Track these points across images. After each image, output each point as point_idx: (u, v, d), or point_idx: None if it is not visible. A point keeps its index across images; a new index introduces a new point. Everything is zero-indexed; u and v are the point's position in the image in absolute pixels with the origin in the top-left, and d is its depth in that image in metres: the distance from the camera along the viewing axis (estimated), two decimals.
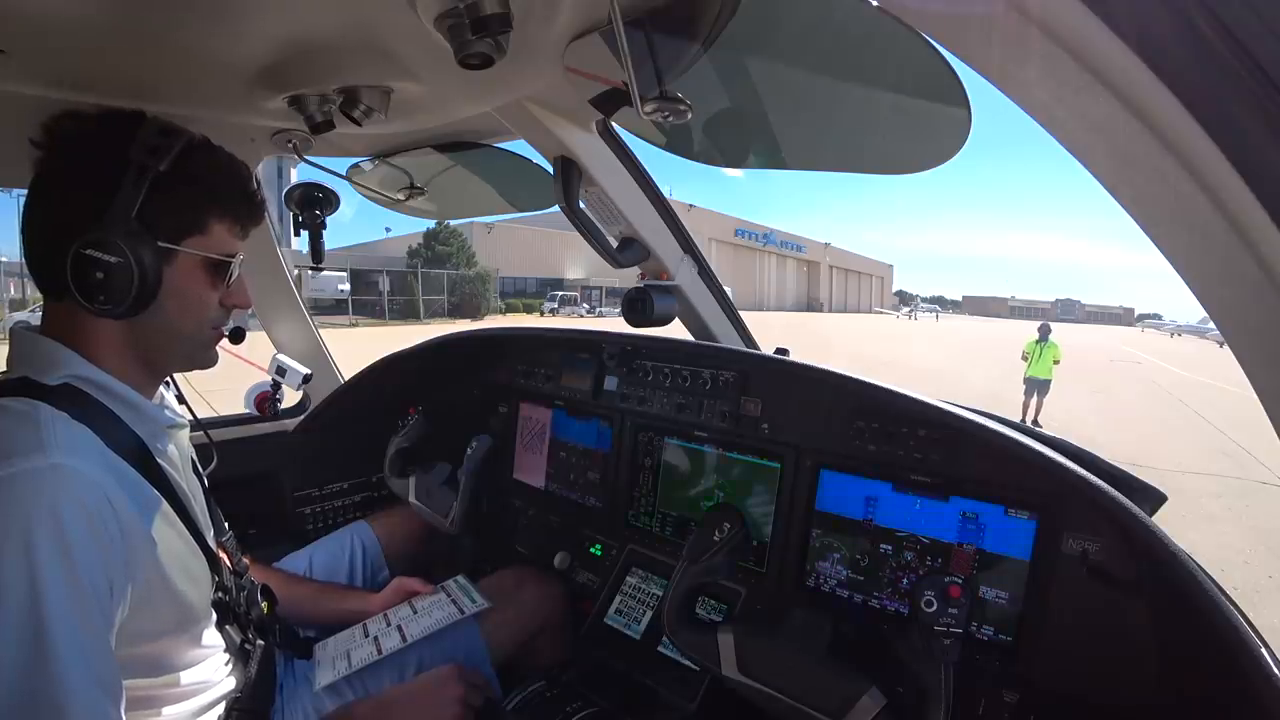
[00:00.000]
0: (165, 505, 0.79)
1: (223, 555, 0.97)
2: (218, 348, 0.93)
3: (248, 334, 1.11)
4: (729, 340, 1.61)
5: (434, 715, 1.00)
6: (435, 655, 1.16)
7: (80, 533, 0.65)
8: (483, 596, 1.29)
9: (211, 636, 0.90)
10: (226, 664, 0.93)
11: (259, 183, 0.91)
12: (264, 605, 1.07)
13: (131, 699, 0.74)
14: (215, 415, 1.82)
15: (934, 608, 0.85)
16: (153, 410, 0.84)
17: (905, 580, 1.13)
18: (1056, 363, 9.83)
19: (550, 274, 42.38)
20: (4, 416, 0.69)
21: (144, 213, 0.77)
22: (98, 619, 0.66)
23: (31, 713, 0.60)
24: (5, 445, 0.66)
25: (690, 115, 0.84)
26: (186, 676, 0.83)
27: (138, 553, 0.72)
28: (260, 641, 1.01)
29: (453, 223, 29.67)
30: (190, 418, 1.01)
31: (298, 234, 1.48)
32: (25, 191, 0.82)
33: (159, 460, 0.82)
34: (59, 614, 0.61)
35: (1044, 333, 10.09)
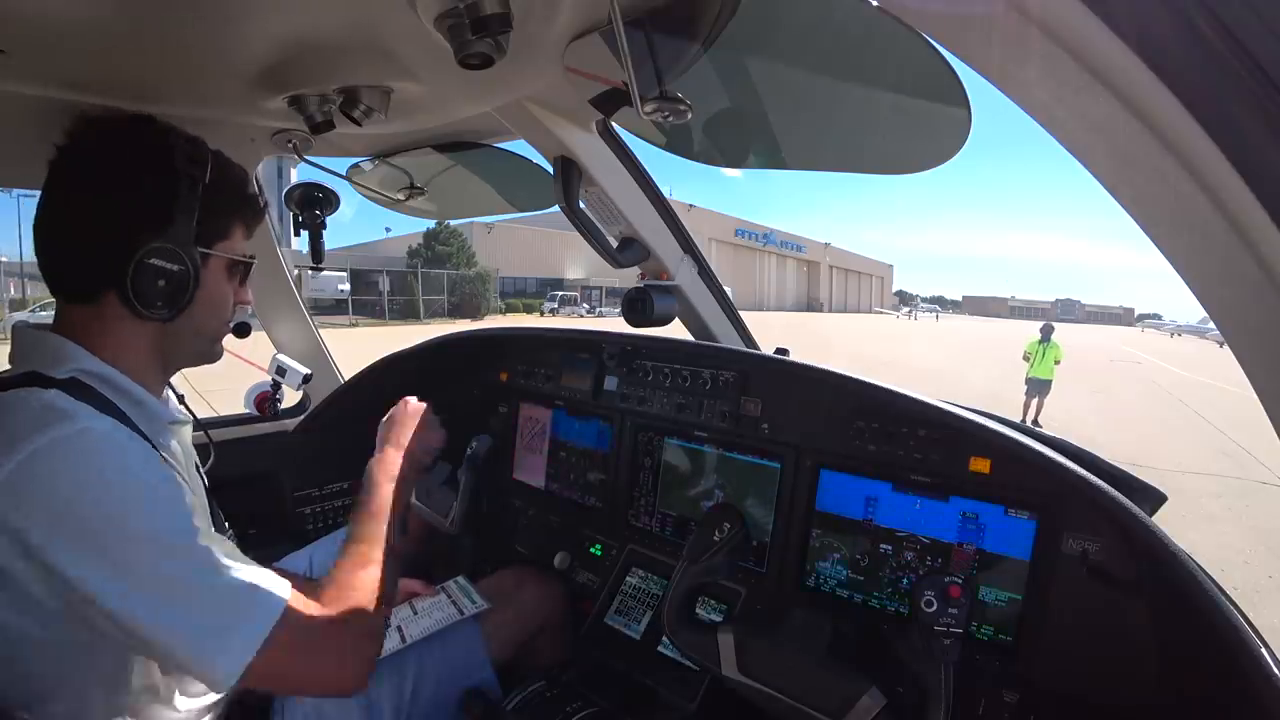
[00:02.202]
0: None
1: None
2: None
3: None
4: (729, 340, 1.61)
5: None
6: (435, 656, 1.16)
7: (140, 459, 0.71)
8: (482, 597, 1.29)
9: None
10: None
11: (259, 183, 0.94)
12: None
13: (133, 690, 0.76)
14: (215, 415, 1.82)
15: (934, 608, 0.85)
16: (158, 408, 0.85)
17: (905, 580, 1.13)
18: (1057, 362, 9.83)
19: (550, 274, 42.38)
20: (23, 402, 0.70)
21: (185, 223, 0.81)
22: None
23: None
24: (34, 420, 0.67)
25: (690, 115, 0.84)
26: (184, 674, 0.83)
27: None
28: None
29: (453, 223, 29.69)
30: (191, 417, 1.01)
31: (298, 234, 1.48)
32: (25, 192, 0.82)
33: (163, 455, 0.82)
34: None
35: (1046, 333, 10.08)
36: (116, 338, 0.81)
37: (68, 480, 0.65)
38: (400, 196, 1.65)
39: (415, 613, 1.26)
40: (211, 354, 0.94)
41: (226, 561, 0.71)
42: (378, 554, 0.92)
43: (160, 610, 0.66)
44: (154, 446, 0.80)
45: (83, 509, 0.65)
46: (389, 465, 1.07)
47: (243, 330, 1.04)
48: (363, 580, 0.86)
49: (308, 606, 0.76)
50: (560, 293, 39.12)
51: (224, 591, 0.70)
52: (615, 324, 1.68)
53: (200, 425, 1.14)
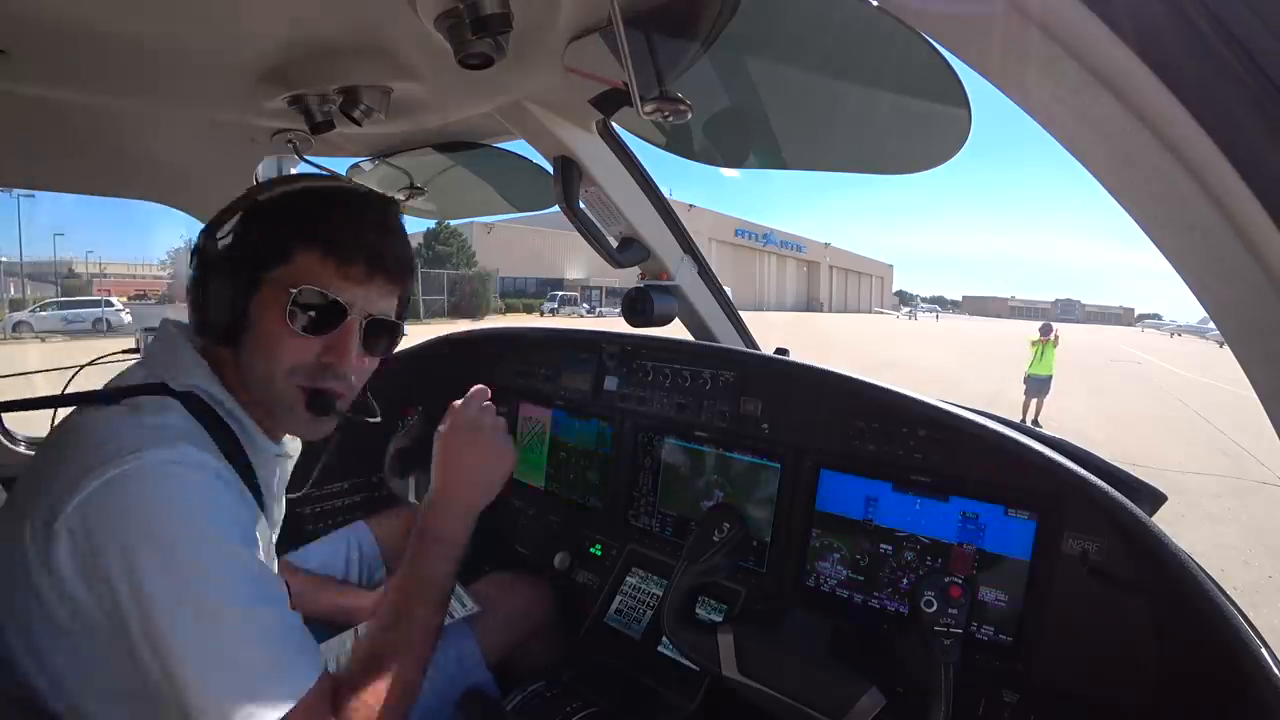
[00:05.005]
0: None
1: None
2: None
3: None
4: (729, 340, 1.61)
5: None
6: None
7: (220, 500, 0.69)
8: (473, 601, 1.29)
9: None
10: None
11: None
12: None
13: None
14: None
15: (934, 608, 0.85)
16: (263, 441, 0.85)
17: (905, 580, 1.13)
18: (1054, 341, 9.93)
19: (550, 274, 42.40)
20: (137, 414, 0.71)
21: (240, 238, 0.78)
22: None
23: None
24: (136, 438, 0.67)
25: (690, 115, 0.84)
26: None
27: None
28: None
29: (453, 223, 29.70)
30: (299, 448, 1.00)
31: None
32: (25, 192, 0.83)
33: (259, 484, 0.83)
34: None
35: (1045, 332, 10.11)
36: (220, 359, 0.81)
37: (143, 506, 0.64)
38: (400, 196, 1.65)
39: None
40: (285, 418, 0.83)
41: (260, 633, 0.66)
42: (404, 639, 0.80)
43: (189, 661, 0.62)
44: (255, 476, 0.82)
45: (149, 538, 0.63)
46: (452, 504, 0.91)
47: (321, 404, 0.82)
48: (377, 681, 0.74)
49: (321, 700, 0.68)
50: (560, 293, 39.14)
51: (251, 662, 0.64)
52: (615, 324, 1.68)
53: None
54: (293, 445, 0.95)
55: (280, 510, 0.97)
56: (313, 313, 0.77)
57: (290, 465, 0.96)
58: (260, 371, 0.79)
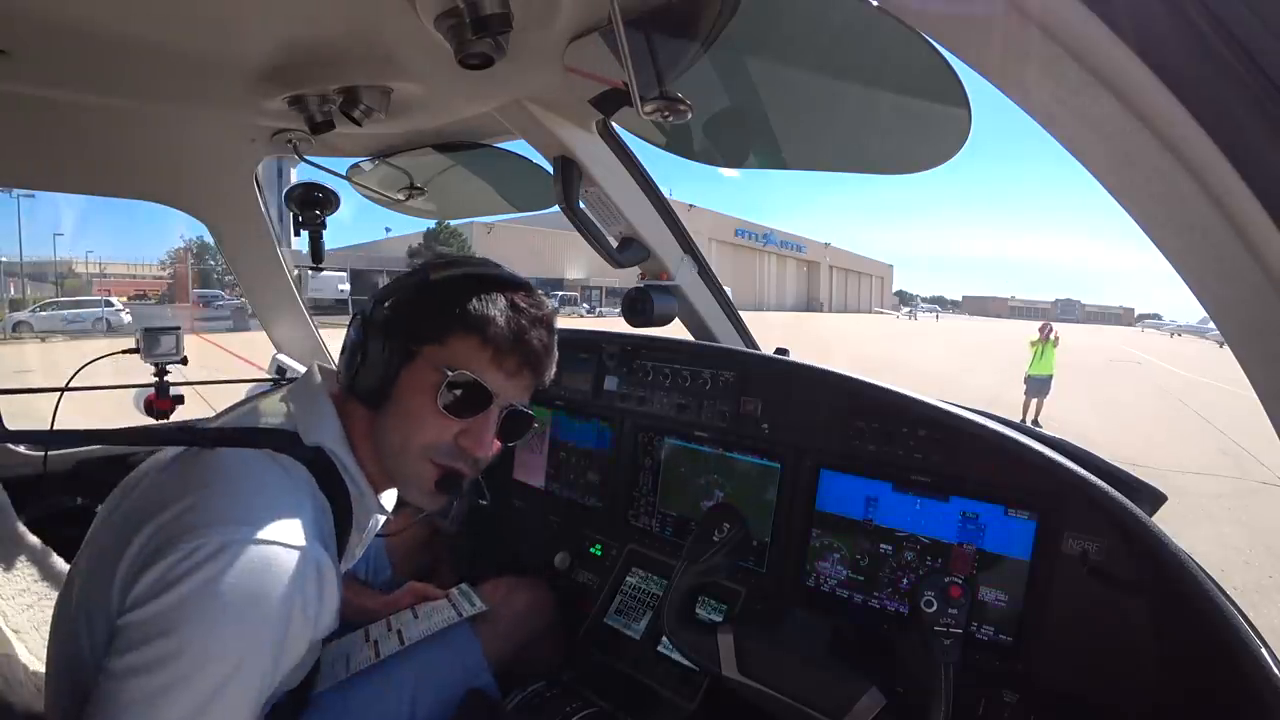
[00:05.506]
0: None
1: None
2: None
3: (249, 334, 1.12)
4: (729, 340, 1.61)
5: None
6: (434, 659, 1.16)
7: (297, 617, 0.66)
8: (482, 601, 1.29)
9: None
10: None
11: (259, 183, 0.92)
12: None
13: None
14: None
15: (934, 608, 0.85)
16: (373, 504, 0.87)
17: (905, 580, 1.13)
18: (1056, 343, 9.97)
19: (550, 274, 42.43)
20: (268, 470, 0.72)
21: (405, 311, 0.81)
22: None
23: None
24: (252, 509, 0.66)
25: (690, 115, 0.84)
26: None
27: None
28: None
29: (453, 223, 29.72)
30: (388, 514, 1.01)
31: (298, 234, 1.48)
32: (24, 192, 0.83)
33: (351, 541, 0.85)
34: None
35: (1045, 332, 10.13)
36: (353, 414, 0.83)
37: (223, 589, 0.60)
38: (400, 196, 1.66)
39: (416, 617, 1.26)
40: (408, 487, 0.85)
41: None
42: None
43: None
44: (350, 534, 0.83)
45: (202, 621, 0.60)
46: None
47: (451, 487, 0.84)
48: None
49: None
50: (560, 293, 39.20)
51: None
52: (615, 324, 1.68)
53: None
54: (389, 500, 0.97)
55: (362, 550, 0.99)
56: (459, 393, 0.79)
57: (385, 518, 0.98)
58: (396, 441, 0.81)
